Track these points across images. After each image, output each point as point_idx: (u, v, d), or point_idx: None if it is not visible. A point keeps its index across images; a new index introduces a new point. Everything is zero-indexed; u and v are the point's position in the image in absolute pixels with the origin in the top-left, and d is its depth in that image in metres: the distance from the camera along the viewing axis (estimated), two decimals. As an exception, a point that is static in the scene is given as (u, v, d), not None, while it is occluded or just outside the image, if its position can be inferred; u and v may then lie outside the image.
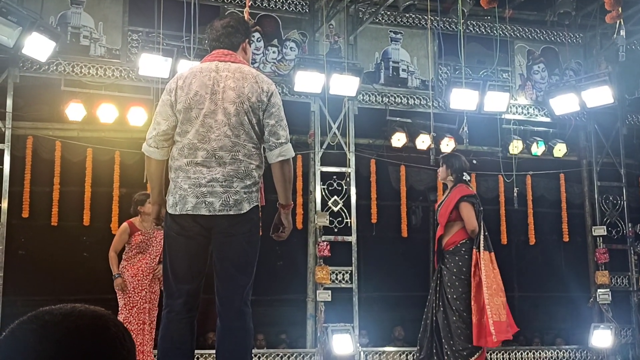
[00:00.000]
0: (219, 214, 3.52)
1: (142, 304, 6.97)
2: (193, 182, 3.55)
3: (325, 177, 10.06)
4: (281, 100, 3.73)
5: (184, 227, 3.60)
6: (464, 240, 6.24)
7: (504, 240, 11.15)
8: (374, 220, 10.53)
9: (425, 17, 10.40)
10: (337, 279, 9.81)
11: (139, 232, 7.09)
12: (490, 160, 11.13)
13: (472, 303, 6.04)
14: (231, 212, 3.53)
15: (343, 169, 10.06)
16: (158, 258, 7.04)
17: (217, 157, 3.54)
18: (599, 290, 10.68)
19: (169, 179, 3.74)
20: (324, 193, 10.01)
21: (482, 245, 6.20)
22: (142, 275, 7.02)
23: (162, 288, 3.80)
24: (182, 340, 3.63)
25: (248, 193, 3.56)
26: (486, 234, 6.31)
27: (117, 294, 7.00)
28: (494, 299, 6.10)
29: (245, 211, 3.55)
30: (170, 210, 3.63)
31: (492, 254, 6.18)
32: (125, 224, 7.18)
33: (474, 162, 10.88)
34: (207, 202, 3.52)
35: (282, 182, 3.67)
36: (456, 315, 6.13)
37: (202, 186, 3.54)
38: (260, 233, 3.76)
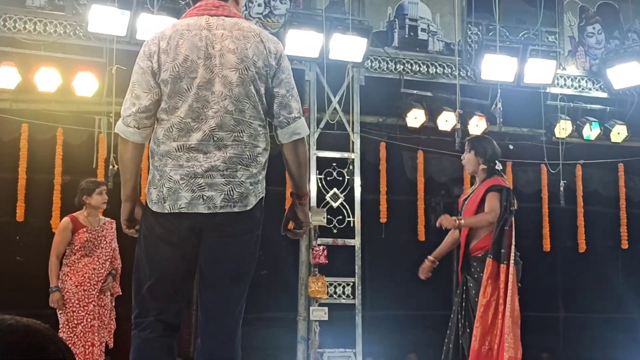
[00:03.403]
0: (221, 211, 3.54)
1: (88, 320, 6.94)
2: (186, 172, 3.55)
3: (322, 164, 10.05)
4: (290, 65, 3.74)
5: (169, 231, 3.60)
6: (495, 244, 6.22)
7: (547, 246, 11.13)
8: (383, 220, 10.51)
9: (451, -38, 10.41)
10: (335, 292, 9.80)
11: (84, 229, 7.04)
12: (530, 145, 11.11)
13: (477, 324, 6.04)
14: (235, 209, 3.55)
15: (345, 155, 10.05)
16: (108, 262, 7.01)
17: (216, 139, 3.55)
18: (665, 310, 10.70)
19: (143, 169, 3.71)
20: (320, 185, 9.99)
21: (512, 255, 6.17)
22: (88, 284, 6.98)
23: (134, 303, 3.73)
24: None
25: (254, 184, 3.58)
26: (511, 240, 6.24)
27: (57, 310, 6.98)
28: (515, 329, 6.09)
29: (251, 207, 3.57)
30: (154, 208, 3.61)
31: (504, 265, 6.13)
32: (66, 219, 7.14)
33: (510, 147, 10.86)
34: (205, 197, 3.54)
35: (297, 166, 3.70)
36: (485, 338, 6.11)
37: (198, 177, 3.54)
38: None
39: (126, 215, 3.75)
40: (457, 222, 6.17)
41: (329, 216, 9.91)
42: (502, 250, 6.10)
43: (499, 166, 6.46)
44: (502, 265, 6.09)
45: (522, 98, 10.61)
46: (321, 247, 9.74)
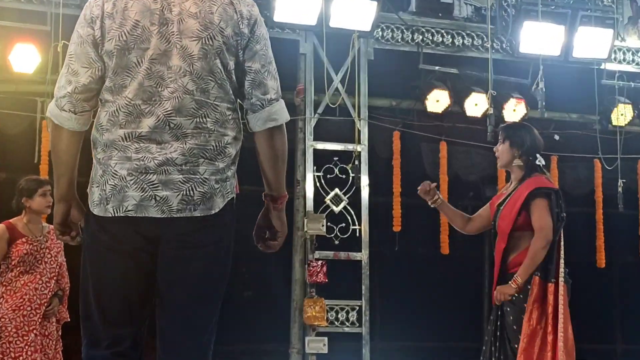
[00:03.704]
0: (178, 215, 3.52)
1: (29, 354, 6.93)
2: (135, 167, 3.51)
3: (320, 158, 10.08)
4: (267, 33, 3.73)
5: (118, 238, 3.56)
6: (539, 260, 6.24)
7: (601, 261, 11.13)
8: (397, 228, 10.52)
9: None
10: (337, 319, 9.83)
11: (24, 240, 7.03)
12: (581, 135, 11.14)
13: (520, 358, 6.05)
14: (197, 213, 3.53)
15: (349, 147, 10.09)
16: (53, 281, 7.01)
17: (172, 125, 3.52)
18: None
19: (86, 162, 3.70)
20: (318, 184, 10.02)
21: (561, 271, 6.19)
22: (29, 309, 6.97)
23: (82, 333, 3.74)
24: None
25: (221, 182, 3.56)
26: (560, 253, 6.27)
27: (-10, 339, 6.98)
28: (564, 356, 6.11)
29: (217, 210, 3.55)
30: (96, 211, 3.58)
31: (552, 285, 6.16)
32: (1, 227, 7.13)
33: (556, 138, 10.87)
34: (158, 198, 3.50)
35: (272, 161, 3.68)
36: (528, 376, 6.12)
37: (149, 172, 3.51)
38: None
39: (60, 218, 3.72)
40: (515, 285, 6.13)
41: (329, 223, 9.94)
42: (550, 267, 6.10)
43: (540, 161, 6.42)
44: (549, 284, 6.09)
45: (570, 76, 10.64)
46: (319, 263, 9.75)
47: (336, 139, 10.19)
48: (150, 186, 3.49)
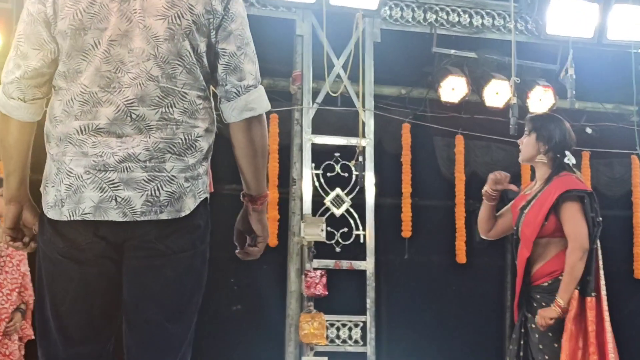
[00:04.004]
0: (143, 219, 3.50)
1: (-12, 376, 6.97)
2: (93, 164, 3.50)
3: (320, 154, 10.13)
4: (245, 11, 3.70)
5: (76, 244, 3.54)
6: (569, 270, 6.24)
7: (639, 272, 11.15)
8: (406, 234, 10.54)
9: None
10: (339, 337, 9.86)
11: (-19, 247, 7.07)
12: (617, 128, 11.16)
13: None
14: (163, 216, 3.51)
15: (353, 141, 10.10)
16: (15, 293, 7.03)
17: (135, 116, 3.50)
18: None
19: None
20: (317, 183, 10.04)
21: (602, 283, 6.21)
22: (-14, 326, 7.01)
23: (40, 353, 3.75)
24: None
25: (192, 179, 3.57)
26: (599, 263, 6.28)
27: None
28: None
29: (187, 212, 3.54)
30: (50, 214, 3.56)
31: (592, 299, 6.17)
32: (-46, 233, 7.16)
33: (588, 131, 10.88)
34: (119, 199, 3.48)
35: (250, 155, 3.67)
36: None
37: (109, 170, 3.49)
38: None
39: (10, 222, 3.71)
40: (559, 309, 6.10)
41: (329, 228, 9.97)
42: (589, 278, 6.10)
43: (570, 159, 6.41)
44: (589, 298, 6.10)
45: (604, 62, 10.64)
46: (318, 273, 9.78)
47: (337, 132, 10.23)
48: (110, 186, 3.47)
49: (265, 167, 3.74)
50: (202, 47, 3.55)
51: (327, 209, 10.07)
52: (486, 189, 6.52)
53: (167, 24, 3.49)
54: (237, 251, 3.84)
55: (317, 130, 10.17)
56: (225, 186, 8.85)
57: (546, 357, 6.09)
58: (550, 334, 6.11)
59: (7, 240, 3.76)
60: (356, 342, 9.93)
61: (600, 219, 6.27)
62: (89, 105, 3.49)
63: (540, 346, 6.13)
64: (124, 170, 3.47)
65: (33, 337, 7.31)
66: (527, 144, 6.40)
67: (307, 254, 9.85)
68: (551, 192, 6.19)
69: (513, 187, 6.50)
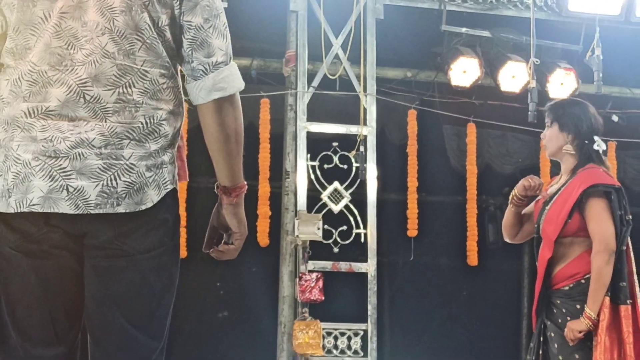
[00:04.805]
0: (97, 212, 3.48)
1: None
2: (42, 149, 3.48)
3: (316, 144, 10.18)
4: None
5: (28, 236, 3.54)
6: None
7: (672, 276, 11.25)
8: (412, 233, 10.61)
9: None
10: (337, 346, 9.92)
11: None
12: (647, 116, 11.21)
13: None
14: (120, 209, 3.48)
15: (353, 129, 10.16)
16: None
17: (89, 98, 3.49)
18: None
19: None
20: (313, 176, 10.08)
21: (637, 289, 6.24)
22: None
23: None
24: None
25: (155, 168, 3.55)
26: (632, 266, 6.33)
27: None
28: None
29: (150, 205, 3.53)
30: None
31: (627, 307, 6.21)
32: None
33: (614, 119, 10.94)
34: (71, 189, 3.46)
35: (221, 141, 3.63)
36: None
37: (60, 156, 3.48)
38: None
39: None
40: (589, 321, 6.06)
41: (326, 226, 10.03)
42: (622, 284, 6.10)
43: (600, 145, 6.38)
44: (623, 307, 6.08)
45: (632, 42, 10.70)
46: (314, 276, 9.82)
47: (336, 119, 10.28)
48: (62, 174, 3.47)
49: (240, 154, 3.70)
50: (164, 20, 3.55)
51: (324, 205, 10.11)
52: (515, 193, 6.39)
53: None
54: (210, 250, 3.79)
55: (313, 117, 10.22)
56: (210, 179, 8.92)
57: (567, 366, 6.17)
58: (569, 345, 6.17)
59: None
60: (356, 352, 9.99)
61: (630, 216, 6.24)
62: (38, 85, 3.50)
63: (560, 357, 6.11)
64: (76, 158, 3.47)
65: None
66: (550, 136, 6.36)
67: (301, 254, 9.88)
68: (575, 187, 6.18)
69: (545, 194, 6.37)
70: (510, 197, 6.45)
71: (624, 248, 6.16)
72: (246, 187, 3.73)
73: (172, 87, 3.59)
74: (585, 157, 6.29)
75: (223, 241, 3.77)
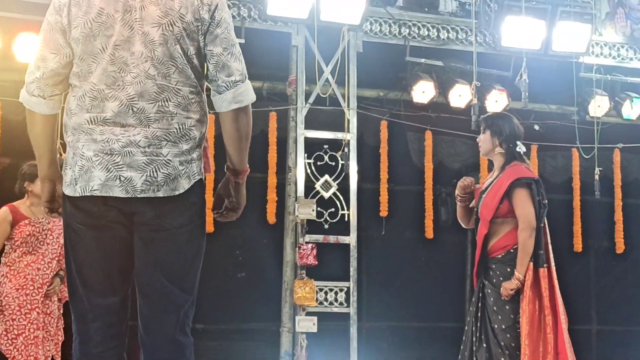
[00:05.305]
0: (142, 196, 3.54)
1: (31, 331, 6.91)
2: (101, 148, 3.55)
3: (311, 146, 10.07)
4: (230, 17, 3.72)
5: (91, 214, 3.60)
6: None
7: (578, 246, 11.16)
8: (383, 213, 10.56)
9: None
10: (327, 299, 9.83)
11: (27, 222, 7.01)
12: (560, 126, 11.15)
13: (526, 341, 6.06)
14: (160, 194, 3.54)
15: (339, 135, 10.08)
16: (55, 261, 7.00)
17: (135, 109, 3.54)
18: None
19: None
20: (309, 171, 10.01)
21: (551, 256, 6.24)
22: (31, 288, 6.96)
23: (71, 309, 3.76)
24: None
25: (186, 163, 3.59)
26: (548, 238, 6.30)
27: (-7, 316, 6.97)
28: (568, 335, 6.17)
29: (182, 191, 3.57)
30: (67, 191, 3.62)
31: (544, 270, 6.20)
32: (4, 209, 7.08)
33: (536, 128, 10.88)
34: (122, 178, 3.53)
35: (236, 139, 3.68)
36: (505, 354, 6.14)
37: (114, 153, 3.54)
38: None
39: (47, 195, 3.77)
40: (518, 281, 6.07)
41: (319, 208, 9.93)
42: (540, 252, 6.17)
43: (521, 148, 6.43)
44: (541, 269, 6.16)
45: (550, 69, 10.67)
46: (309, 246, 9.75)
47: (326, 128, 10.20)
48: (115, 167, 3.50)
49: (247, 148, 3.74)
50: (192, 50, 3.56)
51: (317, 192, 10.03)
52: (457, 193, 6.54)
53: (161, 31, 3.52)
54: (216, 214, 3.83)
55: (309, 126, 10.13)
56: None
57: (499, 317, 6.24)
58: (503, 298, 6.16)
59: (46, 212, 3.82)
60: (341, 304, 9.91)
61: (546, 202, 6.34)
62: (97, 100, 3.52)
63: (495, 308, 6.18)
64: (126, 155, 3.50)
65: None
66: (484, 140, 6.46)
67: (300, 230, 9.82)
68: (504, 180, 6.24)
69: (479, 187, 6.48)
70: (455, 196, 6.61)
71: (542, 225, 6.27)
72: (249, 171, 3.77)
73: (199, 101, 3.63)
74: (511, 157, 6.38)
75: (225, 206, 3.79)
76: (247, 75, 3.65)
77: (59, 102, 3.66)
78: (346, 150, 10.02)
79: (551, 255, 6.29)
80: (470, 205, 6.52)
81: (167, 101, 3.54)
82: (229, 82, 3.58)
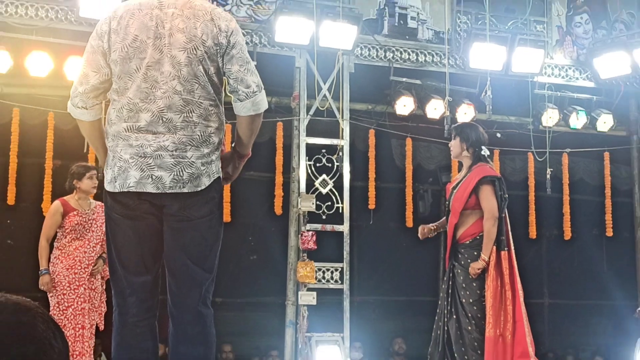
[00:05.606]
0: (170, 191, 3.57)
1: (79, 303, 6.93)
2: (136, 152, 3.59)
3: (311, 150, 10.05)
4: (244, 40, 3.76)
5: (128, 206, 3.64)
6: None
7: (533, 233, 11.18)
8: (371, 206, 10.54)
9: (441, -49, 10.40)
10: (324, 277, 9.84)
11: (75, 212, 7.03)
12: (518, 134, 11.14)
13: (491, 312, 6.07)
14: (185, 190, 3.58)
15: (335, 141, 10.06)
16: (99, 246, 7.02)
17: (165, 119, 3.57)
18: (649, 297, 10.75)
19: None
20: (309, 171, 10.00)
21: (511, 241, 6.26)
22: (79, 268, 6.97)
23: (111, 285, 3.80)
24: (143, 348, 3.69)
25: (207, 164, 3.62)
26: (508, 227, 6.33)
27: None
28: (524, 307, 6.20)
29: (203, 187, 3.60)
30: (108, 187, 3.67)
31: (505, 252, 6.22)
32: (57, 203, 7.12)
33: (498, 135, 10.89)
34: (154, 177, 3.57)
35: (249, 135, 3.76)
36: (472, 324, 6.16)
37: (147, 156, 3.57)
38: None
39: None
40: (484, 262, 6.10)
41: (318, 202, 9.92)
42: (502, 238, 6.18)
43: (485, 151, 6.45)
44: (502, 252, 6.18)
45: (510, 87, 10.65)
46: (310, 233, 9.75)
47: (324, 135, 10.10)
48: (148, 167, 3.54)
49: (253, 140, 3.81)
50: (213, 70, 3.59)
51: (317, 189, 10.00)
52: (421, 237, 6.55)
53: (187, 54, 3.55)
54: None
55: (309, 133, 10.08)
56: (246, 173, 8.84)
57: (467, 292, 6.25)
58: (469, 277, 6.18)
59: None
60: (336, 281, 9.87)
61: (507, 196, 6.36)
62: (133, 112, 3.57)
63: (464, 285, 6.21)
64: (157, 157, 3.54)
65: (110, 276, 7.30)
66: (454, 145, 6.47)
67: (302, 220, 9.80)
68: (472, 178, 6.27)
69: (433, 226, 6.51)
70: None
71: (503, 215, 6.28)
72: (250, 155, 3.87)
73: (217, 112, 3.67)
74: (477, 159, 6.39)
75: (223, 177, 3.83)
76: (262, 86, 3.68)
77: (100, 109, 3.70)
78: (340, 154, 10.01)
79: (511, 240, 6.30)
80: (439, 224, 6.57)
81: (191, 112, 3.56)
82: (248, 92, 3.59)
